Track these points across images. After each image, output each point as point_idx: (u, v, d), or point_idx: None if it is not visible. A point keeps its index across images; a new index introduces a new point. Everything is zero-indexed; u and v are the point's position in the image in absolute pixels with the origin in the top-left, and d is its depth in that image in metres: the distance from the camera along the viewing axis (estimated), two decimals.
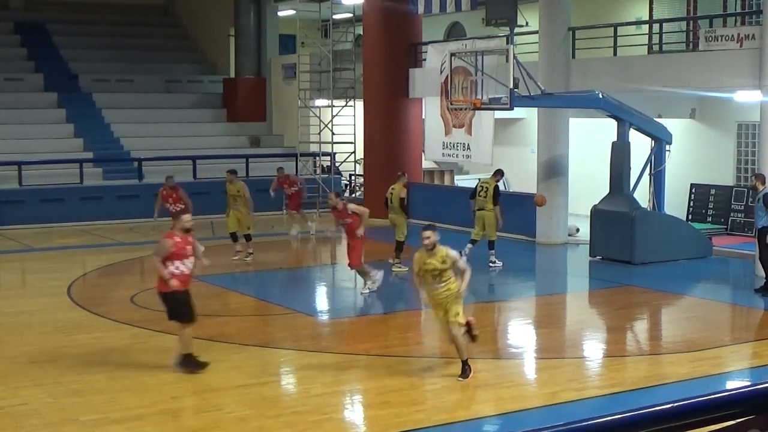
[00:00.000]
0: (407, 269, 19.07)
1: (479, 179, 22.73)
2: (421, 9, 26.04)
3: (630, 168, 20.71)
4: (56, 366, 12.34)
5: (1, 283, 20.31)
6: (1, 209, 26.48)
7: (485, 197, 19.60)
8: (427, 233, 11.40)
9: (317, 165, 31.74)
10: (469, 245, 19.44)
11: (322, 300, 18.31)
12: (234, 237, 21.07)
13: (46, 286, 18.41)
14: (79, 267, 20.61)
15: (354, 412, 11.01)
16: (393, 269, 19.22)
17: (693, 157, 24.23)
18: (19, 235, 25.22)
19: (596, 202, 20.84)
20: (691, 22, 24.09)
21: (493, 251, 19.67)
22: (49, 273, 19.96)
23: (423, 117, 27.54)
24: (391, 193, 19.70)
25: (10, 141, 29.04)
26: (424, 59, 27.09)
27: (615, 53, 22.98)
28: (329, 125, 30.68)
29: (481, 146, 24.36)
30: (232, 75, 35.15)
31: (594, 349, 14.18)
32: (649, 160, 21.20)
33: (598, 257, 20.57)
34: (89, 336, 13.98)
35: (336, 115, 30.78)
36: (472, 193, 20.15)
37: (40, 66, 33.62)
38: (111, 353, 12.95)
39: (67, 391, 11.17)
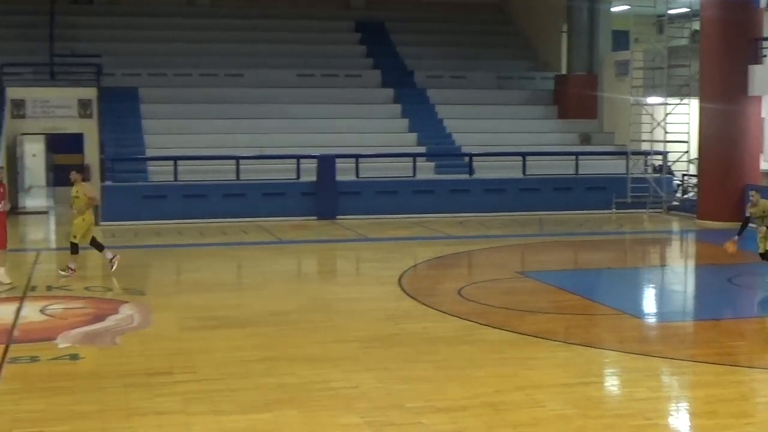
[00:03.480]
0: None
1: None
2: (763, 2, 24.91)
3: None
4: (385, 352, 12.81)
5: (337, 271, 21.39)
6: (340, 200, 27.85)
7: None
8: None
9: (648, 164, 31.09)
10: None
11: (650, 302, 17.92)
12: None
13: (379, 275, 19.17)
14: (410, 258, 21.26)
15: (679, 419, 10.70)
16: None
17: None
18: (356, 225, 26.43)
19: None
20: None
21: None
22: (381, 263, 20.76)
23: (762, 116, 26.32)
24: None
25: (349, 134, 30.43)
26: (765, 55, 25.87)
27: None
28: (662, 123, 29.97)
29: None
30: (564, 72, 35.05)
31: None
32: None
33: None
34: (417, 326, 14.39)
35: (669, 113, 30.00)
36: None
37: (378, 63, 34.99)
38: (438, 343, 13.28)
39: (394, 378, 11.57)
